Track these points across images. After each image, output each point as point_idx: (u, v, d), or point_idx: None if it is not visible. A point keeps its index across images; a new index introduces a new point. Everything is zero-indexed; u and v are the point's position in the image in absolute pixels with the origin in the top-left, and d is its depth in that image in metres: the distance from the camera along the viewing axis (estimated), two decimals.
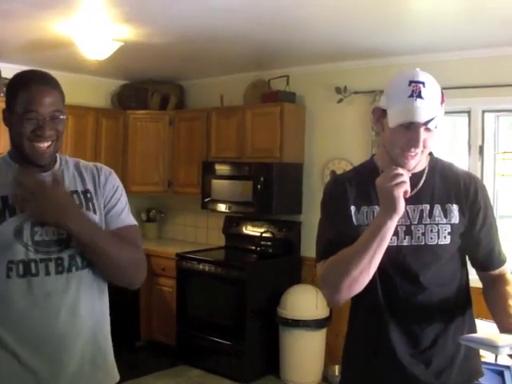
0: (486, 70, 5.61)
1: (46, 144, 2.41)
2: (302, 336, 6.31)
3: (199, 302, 6.75)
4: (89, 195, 2.59)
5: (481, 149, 5.76)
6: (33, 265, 2.36)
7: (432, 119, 2.26)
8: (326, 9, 4.55)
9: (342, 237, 2.38)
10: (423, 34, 5.24)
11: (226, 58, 6.68)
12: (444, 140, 6.31)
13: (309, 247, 6.73)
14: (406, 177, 2.22)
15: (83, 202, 2.55)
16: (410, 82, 2.29)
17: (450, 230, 2.41)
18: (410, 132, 2.29)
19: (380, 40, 5.56)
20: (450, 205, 2.44)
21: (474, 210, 2.47)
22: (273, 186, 6.70)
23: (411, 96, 2.27)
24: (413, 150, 2.30)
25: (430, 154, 2.54)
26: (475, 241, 2.50)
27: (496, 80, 5.51)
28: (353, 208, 2.45)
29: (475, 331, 2.55)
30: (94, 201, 2.60)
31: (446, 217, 2.42)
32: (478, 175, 5.64)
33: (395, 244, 2.38)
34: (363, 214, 2.44)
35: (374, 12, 4.62)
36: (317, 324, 6.31)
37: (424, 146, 2.32)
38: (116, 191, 2.69)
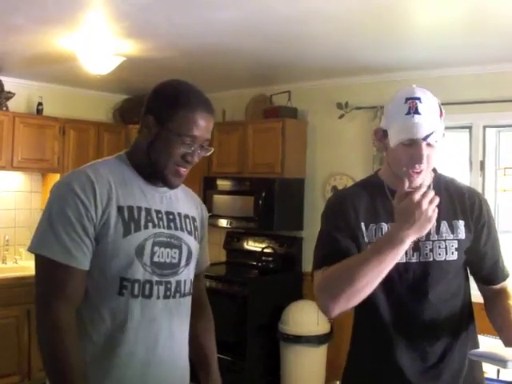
0: (487, 86, 5.62)
1: (186, 169, 2.35)
2: (303, 352, 6.28)
3: None
4: (196, 224, 2.55)
5: (482, 164, 5.76)
6: (147, 286, 2.28)
7: (431, 133, 2.24)
8: (328, 25, 4.57)
9: (348, 250, 2.35)
10: (425, 49, 5.25)
11: (228, 73, 6.70)
12: (445, 155, 6.31)
13: (310, 263, 6.61)
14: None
15: (192, 229, 2.50)
16: (406, 100, 2.29)
17: (457, 246, 2.40)
18: (412, 149, 2.27)
19: (381, 56, 5.58)
20: (456, 221, 2.43)
21: (479, 224, 2.47)
22: (274, 201, 6.70)
23: (408, 113, 2.27)
24: (417, 166, 2.29)
25: (434, 170, 2.53)
26: (481, 255, 2.49)
27: (497, 96, 5.51)
28: (362, 224, 2.41)
29: (478, 344, 2.54)
30: (199, 230, 2.58)
31: (452, 232, 2.41)
32: (480, 190, 5.64)
33: (404, 261, 2.35)
34: (372, 232, 2.41)
35: (375, 28, 4.64)
36: (318, 340, 6.28)
37: (428, 162, 2.30)
38: (206, 230, 2.70)
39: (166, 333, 2.34)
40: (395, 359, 2.38)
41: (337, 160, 6.78)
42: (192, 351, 2.59)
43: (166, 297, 2.33)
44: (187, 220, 2.48)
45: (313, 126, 7.04)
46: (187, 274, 2.44)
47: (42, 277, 2.19)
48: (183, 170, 2.34)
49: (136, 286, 2.24)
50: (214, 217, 7.16)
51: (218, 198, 7.26)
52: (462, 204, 2.48)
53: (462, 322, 2.49)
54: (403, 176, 2.30)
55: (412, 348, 2.39)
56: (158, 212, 2.36)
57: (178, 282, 2.38)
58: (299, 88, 7.03)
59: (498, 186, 5.73)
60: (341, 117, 6.55)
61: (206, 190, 7.36)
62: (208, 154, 2.40)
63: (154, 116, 2.32)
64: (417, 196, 2.16)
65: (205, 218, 2.67)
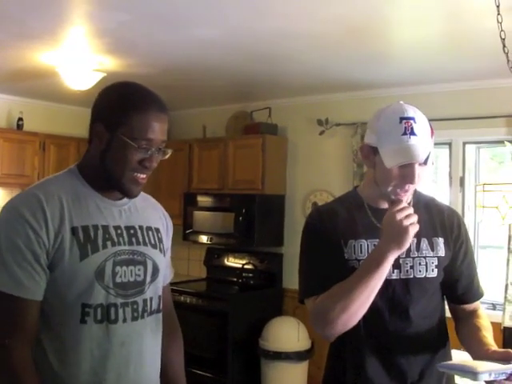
0: (467, 103, 5.66)
1: (145, 176, 2.16)
2: (284, 368, 6.26)
3: None
4: (159, 235, 2.37)
5: (462, 180, 5.80)
6: (112, 310, 2.10)
7: (428, 156, 2.23)
8: (309, 42, 4.59)
9: (333, 271, 2.33)
10: (405, 66, 5.29)
11: (208, 90, 6.71)
12: (430, 170, 6.34)
13: (291, 279, 6.71)
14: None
15: (156, 241, 2.32)
16: (401, 119, 2.24)
17: (437, 263, 2.39)
18: (406, 169, 2.24)
19: (362, 73, 5.61)
20: (436, 238, 2.42)
21: (458, 243, 2.47)
22: (254, 217, 6.70)
23: (404, 134, 2.22)
24: (407, 186, 2.27)
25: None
26: (457, 274, 2.47)
27: (477, 112, 5.56)
28: (341, 241, 2.38)
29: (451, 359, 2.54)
30: (164, 242, 2.39)
31: (432, 250, 2.40)
32: (459, 206, 5.69)
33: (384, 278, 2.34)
34: (351, 248, 2.37)
35: (356, 45, 4.67)
36: (299, 356, 6.26)
37: (418, 181, 2.28)
38: (170, 241, 2.51)
39: (137, 356, 2.19)
40: (371, 379, 2.36)
41: (317, 176, 6.80)
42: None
43: (133, 319, 2.16)
44: (150, 232, 2.30)
45: (293, 143, 7.06)
46: (154, 291, 2.27)
47: None
48: (142, 177, 2.15)
49: (99, 311, 2.07)
50: (194, 233, 7.17)
51: (199, 214, 7.25)
52: (441, 222, 2.47)
53: (440, 339, 2.48)
54: (390, 194, 2.29)
55: (389, 367, 2.36)
56: (116, 228, 2.18)
57: (145, 301, 2.22)
58: (280, 104, 7.06)
59: (478, 203, 5.76)
60: (321, 133, 6.57)
61: (187, 206, 7.35)
62: (166, 156, 2.20)
63: (103, 122, 2.13)
64: (393, 209, 2.19)
65: (169, 228, 2.49)
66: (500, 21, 3.35)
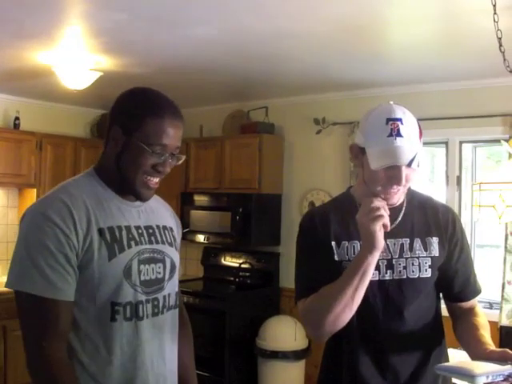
0: (463, 102, 5.67)
1: (158, 179, 2.25)
2: (281, 367, 6.26)
3: None
4: (173, 234, 2.47)
5: (458, 179, 5.81)
6: (140, 307, 2.18)
7: (414, 158, 2.20)
8: (305, 41, 4.59)
9: (322, 273, 2.34)
10: (401, 66, 5.29)
11: (205, 89, 6.71)
12: (423, 171, 6.35)
13: (287, 278, 6.71)
14: (384, 210, 2.18)
15: (172, 240, 2.43)
16: (388, 120, 2.23)
17: (430, 263, 2.38)
18: (392, 171, 2.23)
19: (358, 72, 5.61)
20: (429, 238, 2.41)
21: (453, 241, 2.45)
22: (251, 216, 6.71)
23: (390, 135, 2.20)
24: (395, 187, 2.27)
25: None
26: (452, 272, 2.46)
27: (473, 111, 5.56)
28: (333, 243, 2.39)
29: (448, 360, 2.53)
30: (177, 240, 2.51)
31: (426, 250, 2.39)
32: (456, 205, 5.70)
33: (377, 278, 2.34)
34: (344, 250, 2.38)
35: (352, 45, 4.67)
36: (296, 355, 6.27)
37: (406, 181, 2.27)
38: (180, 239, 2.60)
39: (158, 351, 2.27)
40: (365, 379, 2.36)
41: (314, 175, 6.81)
42: None
43: (154, 314, 2.24)
44: (166, 231, 2.40)
45: (290, 142, 7.06)
46: (172, 287, 2.37)
47: (28, 316, 2.06)
48: (154, 181, 2.23)
49: (128, 308, 2.15)
50: (191, 232, 7.16)
51: (196, 214, 7.25)
52: (436, 221, 2.46)
53: (434, 339, 2.48)
54: (379, 195, 2.29)
55: (383, 367, 2.36)
56: (137, 228, 2.26)
57: (165, 297, 2.31)
58: (276, 104, 7.06)
59: (474, 201, 5.77)
60: (318, 132, 6.58)
61: (184, 205, 7.35)
62: (180, 162, 2.29)
63: (120, 126, 2.19)
64: (360, 212, 2.21)
65: (179, 226, 2.59)
66: (496, 20, 3.35)
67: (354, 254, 2.36)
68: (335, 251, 2.38)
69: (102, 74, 5.51)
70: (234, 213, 6.79)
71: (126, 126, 2.17)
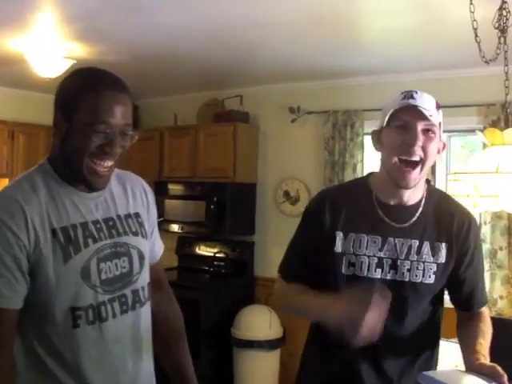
0: (439, 91, 5.59)
1: (109, 163, 2.02)
2: (256, 357, 6.26)
3: None
4: (140, 219, 2.27)
5: (433, 168, 5.81)
6: (102, 308, 2.03)
7: (428, 112, 2.20)
8: (281, 30, 4.57)
9: (309, 263, 2.39)
10: (377, 55, 5.29)
11: (179, 78, 6.67)
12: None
13: (262, 267, 6.72)
14: (383, 311, 2.06)
15: (137, 228, 2.23)
16: (402, 92, 2.28)
17: (435, 270, 2.33)
18: (407, 133, 2.22)
19: (334, 60, 5.60)
20: (439, 243, 2.34)
21: (463, 250, 2.38)
22: (226, 206, 6.69)
23: (403, 98, 2.25)
24: (411, 151, 2.21)
25: (428, 182, 2.45)
26: (460, 280, 2.41)
27: (448, 101, 5.54)
28: (339, 233, 2.35)
29: (437, 364, 2.52)
30: (145, 224, 2.29)
31: (433, 255, 2.33)
32: None
33: (379, 277, 2.31)
34: (350, 242, 2.34)
35: (327, 34, 4.65)
36: (271, 344, 6.27)
37: (424, 153, 2.23)
38: (155, 214, 2.44)
39: (134, 350, 2.16)
40: (356, 375, 2.35)
41: (289, 164, 6.79)
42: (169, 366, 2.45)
43: (123, 312, 2.10)
44: (129, 220, 2.21)
45: (265, 131, 7.04)
46: (144, 279, 2.21)
47: None
48: (104, 166, 2.01)
49: (90, 312, 2.01)
50: (165, 222, 7.11)
51: (170, 203, 7.21)
52: (449, 227, 2.37)
53: (429, 345, 2.47)
54: (394, 173, 2.26)
55: (373, 365, 2.35)
56: (95, 223, 2.08)
57: (135, 292, 2.15)
58: (251, 92, 7.03)
59: (449, 191, 5.79)
60: (293, 121, 6.56)
61: (158, 194, 7.18)
62: (133, 141, 2.06)
63: (60, 112, 2.00)
64: (369, 311, 2.02)
65: (151, 203, 2.39)
66: (472, 10, 3.36)
67: (359, 247, 2.33)
68: (339, 242, 2.35)
69: (75, 61, 5.44)
70: (208, 202, 6.76)
71: (65, 109, 1.98)
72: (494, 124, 5.16)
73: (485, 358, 2.18)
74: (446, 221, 2.38)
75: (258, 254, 6.87)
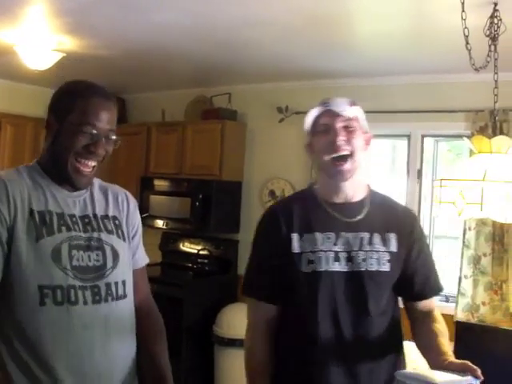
0: (428, 96, 5.70)
1: (92, 163, 2.22)
2: (237, 355, 6.19)
3: None
4: (117, 222, 2.39)
5: (419, 172, 5.84)
6: (72, 292, 2.11)
7: (343, 111, 2.44)
8: (270, 29, 4.57)
9: (277, 266, 2.45)
10: (366, 57, 5.30)
11: (168, 74, 6.66)
12: (384, 162, 6.39)
13: (245, 266, 6.70)
14: None
15: (113, 228, 2.35)
16: (319, 103, 2.55)
17: (388, 258, 2.42)
18: (329, 133, 2.42)
19: (323, 62, 5.61)
20: (388, 234, 2.46)
21: (411, 240, 2.50)
22: (211, 203, 6.69)
23: (319, 106, 2.53)
24: (337, 147, 2.39)
25: (368, 185, 2.61)
26: (412, 270, 2.49)
27: (436, 106, 5.60)
28: (295, 235, 2.45)
29: (405, 364, 2.56)
30: (124, 228, 2.41)
31: (384, 245, 2.44)
32: (416, 198, 5.76)
33: (337, 270, 2.38)
34: (306, 241, 2.43)
35: (318, 34, 4.66)
36: None
37: (350, 145, 2.41)
38: (139, 224, 2.56)
39: (103, 340, 2.19)
40: (323, 372, 2.38)
41: (275, 164, 6.79)
42: (143, 366, 2.46)
43: (95, 302, 2.17)
44: (105, 220, 2.34)
45: (252, 129, 7.04)
46: (118, 275, 2.29)
47: None
48: (88, 165, 2.22)
49: (58, 292, 2.09)
50: (150, 217, 7.10)
51: (155, 199, 7.20)
52: (395, 219, 2.52)
53: (392, 338, 2.50)
54: (327, 168, 2.44)
55: (340, 362, 2.37)
56: (71, 216, 2.23)
57: (108, 285, 2.23)
58: (240, 90, 7.03)
59: (434, 197, 5.81)
60: (281, 121, 6.56)
61: (143, 190, 7.29)
62: (115, 146, 2.30)
63: (53, 114, 2.27)
64: None
65: (131, 212, 2.50)
66: (464, 18, 3.37)
67: (315, 245, 2.41)
68: (296, 244, 2.43)
69: (64, 54, 5.43)
70: (193, 199, 6.75)
71: (58, 112, 2.23)
72: (482, 130, 5.19)
73: (451, 356, 2.24)
74: (393, 214, 2.55)
75: (242, 252, 6.85)
